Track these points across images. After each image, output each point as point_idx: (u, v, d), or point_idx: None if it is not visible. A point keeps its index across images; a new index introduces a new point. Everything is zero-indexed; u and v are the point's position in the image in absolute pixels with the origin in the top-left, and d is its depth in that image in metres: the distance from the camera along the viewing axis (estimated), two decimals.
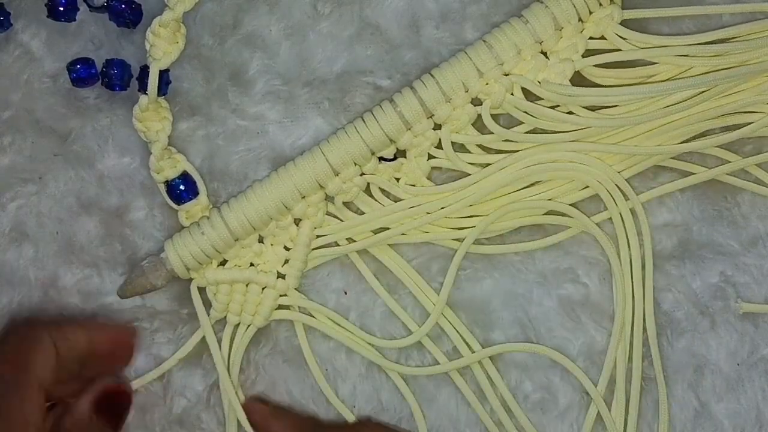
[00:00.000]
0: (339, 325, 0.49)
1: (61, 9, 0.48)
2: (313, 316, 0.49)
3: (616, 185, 0.47)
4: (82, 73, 0.48)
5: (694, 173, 0.48)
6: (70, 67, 0.48)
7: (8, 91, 0.49)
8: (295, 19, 0.49)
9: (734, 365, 0.48)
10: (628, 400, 0.47)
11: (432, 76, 0.46)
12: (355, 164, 0.47)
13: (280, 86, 0.49)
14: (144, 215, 0.49)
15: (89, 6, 0.48)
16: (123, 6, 0.47)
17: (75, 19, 0.48)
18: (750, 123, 0.47)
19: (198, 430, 0.49)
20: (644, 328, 0.48)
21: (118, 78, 0.48)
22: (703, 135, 0.47)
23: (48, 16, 0.48)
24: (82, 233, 0.49)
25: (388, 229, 0.48)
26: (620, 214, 0.47)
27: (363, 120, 0.47)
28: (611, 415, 0.47)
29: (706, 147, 0.47)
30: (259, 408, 0.48)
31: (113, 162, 0.49)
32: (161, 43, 0.46)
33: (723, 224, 0.49)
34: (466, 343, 0.48)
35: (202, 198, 0.48)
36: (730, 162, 0.48)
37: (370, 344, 0.49)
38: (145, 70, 0.47)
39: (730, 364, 0.48)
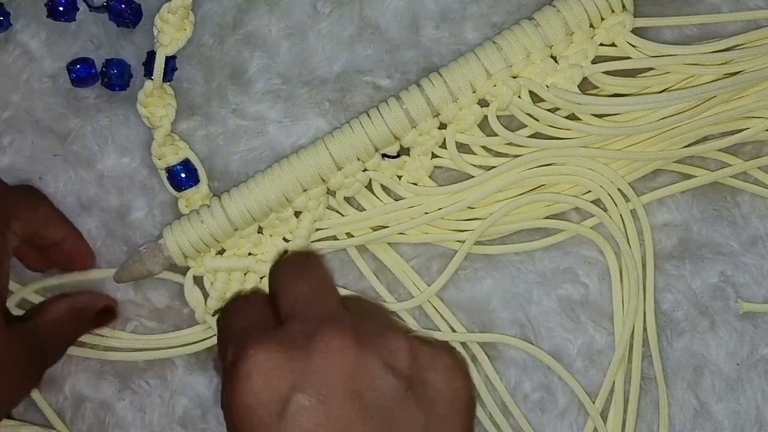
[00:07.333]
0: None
1: (61, 9, 0.48)
2: None
3: (617, 186, 0.47)
4: (82, 73, 0.48)
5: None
6: (70, 67, 0.48)
7: (8, 91, 0.49)
8: (295, 19, 0.49)
9: (734, 365, 0.48)
10: (626, 401, 0.48)
11: (440, 74, 0.46)
12: (359, 159, 0.46)
13: (280, 86, 0.49)
14: (144, 215, 0.49)
15: (89, 6, 0.48)
16: (123, 6, 0.47)
17: (75, 19, 0.48)
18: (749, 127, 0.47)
19: (199, 430, 0.49)
20: (644, 328, 0.48)
21: (118, 78, 0.48)
22: (704, 139, 0.47)
23: (48, 16, 0.48)
24: (82, 233, 0.49)
25: (387, 226, 0.48)
26: (621, 215, 0.47)
27: (368, 116, 0.46)
28: (610, 415, 0.48)
29: (708, 151, 0.47)
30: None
31: (113, 162, 0.49)
32: (169, 29, 0.46)
33: (723, 224, 0.49)
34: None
35: (203, 186, 0.48)
36: (730, 165, 0.48)
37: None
38: (151, 56, 0.47)
39: (730, 364, 0.48)
